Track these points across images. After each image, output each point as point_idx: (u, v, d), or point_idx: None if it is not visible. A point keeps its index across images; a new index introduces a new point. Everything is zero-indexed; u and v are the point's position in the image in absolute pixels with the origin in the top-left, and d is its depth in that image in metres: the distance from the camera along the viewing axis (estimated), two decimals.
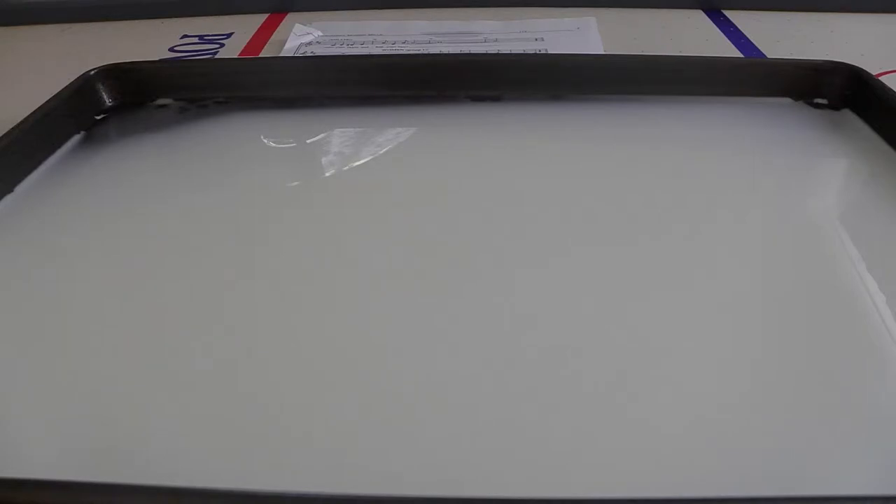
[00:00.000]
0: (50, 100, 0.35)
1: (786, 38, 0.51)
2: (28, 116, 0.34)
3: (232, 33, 0.54)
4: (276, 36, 0.53)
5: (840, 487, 0.20)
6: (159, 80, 0.40)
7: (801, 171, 0.34)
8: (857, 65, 0.37)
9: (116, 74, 0.39)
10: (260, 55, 0.50)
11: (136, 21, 0.57)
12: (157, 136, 0.37)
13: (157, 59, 0.47)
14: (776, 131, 0.36)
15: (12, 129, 0.33)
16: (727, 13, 0.55)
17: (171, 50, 0.51)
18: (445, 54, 0.46)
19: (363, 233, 0.30)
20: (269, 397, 0.22)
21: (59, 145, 0.35)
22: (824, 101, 0.38)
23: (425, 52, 0.48)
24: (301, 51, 0.49)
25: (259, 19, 0.56)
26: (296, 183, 0.34)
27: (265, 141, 0.37)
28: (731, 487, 0.19)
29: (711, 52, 0.48)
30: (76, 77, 0.38)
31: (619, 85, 0.39)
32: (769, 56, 0.47)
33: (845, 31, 0.52)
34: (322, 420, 0.21)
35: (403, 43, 0.50)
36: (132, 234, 0.30)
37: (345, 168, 0.35)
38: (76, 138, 0.36)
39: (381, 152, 0.36)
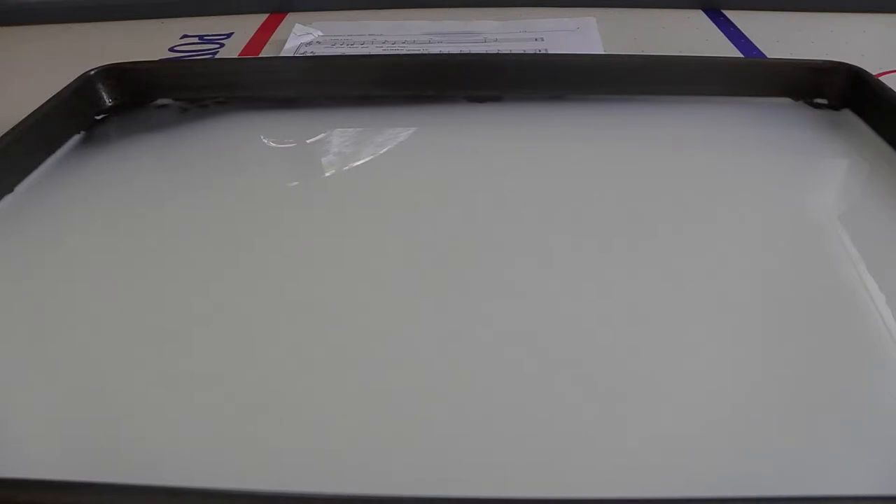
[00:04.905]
0: (50, 100, 0.35)
1: (786, 38, 0.51)
2: (28, 116, 0.34)
3: (232, 33, 0.54)
4: (276, 36, 0.53)
5: (840, 487, 0.20)
6: (159, 80, 0.40)
7: (801, 171, 0.34)
8: (857, 65, 0.37)
9: (116, 74, 0.39)
10: (260, 55, 0.50)
11: (136, 21, 0.57)
12: (157, 136, 0.37)
13: (157, 59, 0.47)
14: (776, 131, 0.36)
15: (12, 129, 0.33)
16: (727, 13, 0.55)
17: (171, 50, 0.51)
18: (445, 54, 0.46)
19: (363, 233, 0.30)
20: (269, 397, 0.22)
21: (59, 145, 0.35)
22: (824, 101, 0.38)
23: (425, 52, 0.48)
24: (301, 51, 0.49)
25: (259, 19, 0.56)
26: (296, 183, 0.34)
27: (265, 141, 0.37)
28: (730, 487, 0.19)
29: (711, 52, 0.48)
30: (76, 77, 0.38)
31: (619, 85, 0.39)
32: (769, 56, 0.47)
33: (845, 31, 0.52)
34: (322, 420, 0.21)
35: (403, 43, 0.50)
36: (132, 234, 0.30)
37: (345, 168, 0.35)
38: (76, 138, 0.36)
39: (381, 152, 0.36)
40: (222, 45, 0.51)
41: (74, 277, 0.27)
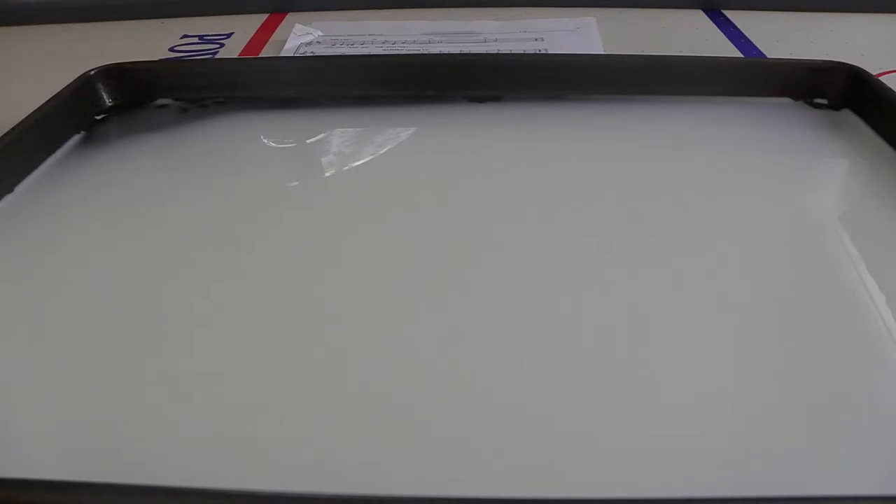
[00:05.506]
0: (50, 100, 0.35)
1: (786, 38, 0.51)
2: (28, 116, 0.34)
3: (232, 33, 0.54)
4: (276, 36, 0.53)
5: (840, 487, 0.20)
6: (159, 80, 0.40)
7: (801, 171, 0.34)
8: (857, 65, 0.37)
9: (116, 74, 0.39)
10: (260, 55, 0.50)
11: (136, 21, 0.57)
12: (157, 136, 0.37)
13: (157, 59, 0.47)
14: (776, 131, 0.36)
15: (12, 129, 0.33)
16: (727, 13, 0.55)
17: (171, 50, 0.51)
18: (445, 54, 0.46)
19: (363, 233, 0.30)
20: (269, 397, 0.22)
21: (59, 145, 0.35)
22: (824, 101, 0.38)
23: (425, 52, 0.48)
24: (301, 51, 0.49)
25: (259, 19, 0.56)
26: (296, 183, 0.34)
27: (265, 141, 0.37)
28: (730, 487, 0.19)
29: (711, 52, 0.48)
30: (76, 77, 0.38)
31: (619, 85, 0.39)
32: (769, 56, 0.47)
33: (845, 31, 0.52)
34: (322, 420, 0.21)
35: (403, 43, 0.50)
36: (132, 234, 0.30)
37: (345, 168, 0.35)
38: (76, 138, 0.36)
39: (381, 152, 0.36)
40: (222, 45, 0.51)
41: (74, 277, 0.27)
